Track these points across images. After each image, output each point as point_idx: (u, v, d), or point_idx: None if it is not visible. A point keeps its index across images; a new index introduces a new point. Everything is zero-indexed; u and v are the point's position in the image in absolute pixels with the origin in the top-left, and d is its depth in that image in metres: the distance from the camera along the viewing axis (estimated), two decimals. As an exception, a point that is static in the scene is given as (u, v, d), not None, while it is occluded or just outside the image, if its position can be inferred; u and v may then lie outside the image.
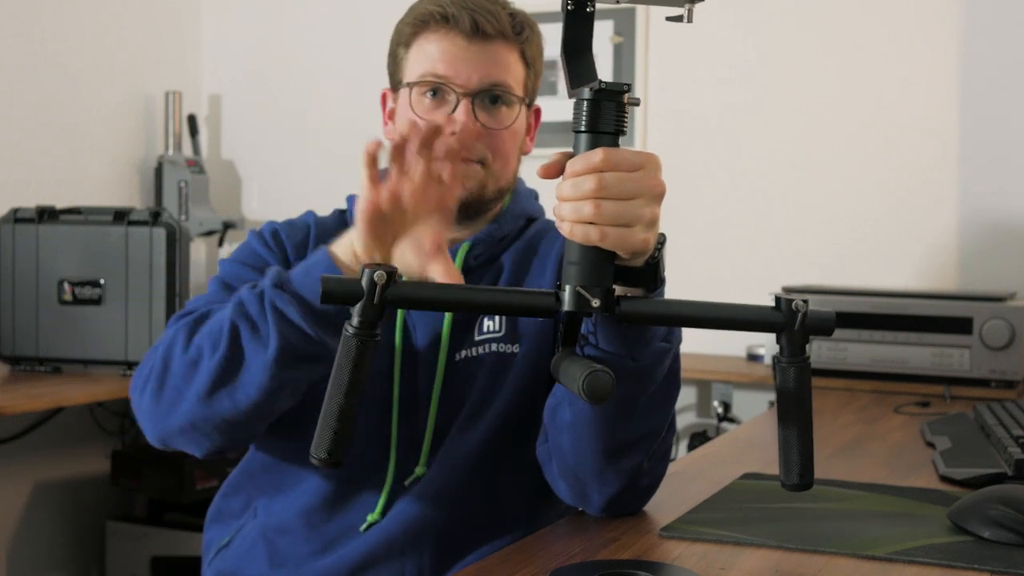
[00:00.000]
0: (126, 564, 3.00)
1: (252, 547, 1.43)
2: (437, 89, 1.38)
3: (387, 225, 1.17)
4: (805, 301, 1.02)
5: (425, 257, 1.17)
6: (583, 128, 1.00)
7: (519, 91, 1.41)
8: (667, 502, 1.36)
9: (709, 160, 2.98)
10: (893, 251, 2.81)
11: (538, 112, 1.50)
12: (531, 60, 1.43)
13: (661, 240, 1.08)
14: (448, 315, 1.39)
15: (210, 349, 1.25)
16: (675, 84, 3.02)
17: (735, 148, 2.96)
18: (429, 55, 1.38)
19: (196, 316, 1.30)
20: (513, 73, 1.40)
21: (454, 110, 1.37)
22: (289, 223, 1.49)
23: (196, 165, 3.32)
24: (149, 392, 1.31)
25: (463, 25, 1.36)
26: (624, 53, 3.05)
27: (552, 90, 3.08)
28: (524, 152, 1.48)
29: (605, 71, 3.05)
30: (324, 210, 1.55)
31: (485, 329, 1.41)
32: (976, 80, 2.74)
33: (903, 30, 2.81)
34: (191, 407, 1.27)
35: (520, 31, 1.41)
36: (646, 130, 3.05)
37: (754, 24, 2.95)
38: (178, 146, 3.35)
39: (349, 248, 1.21)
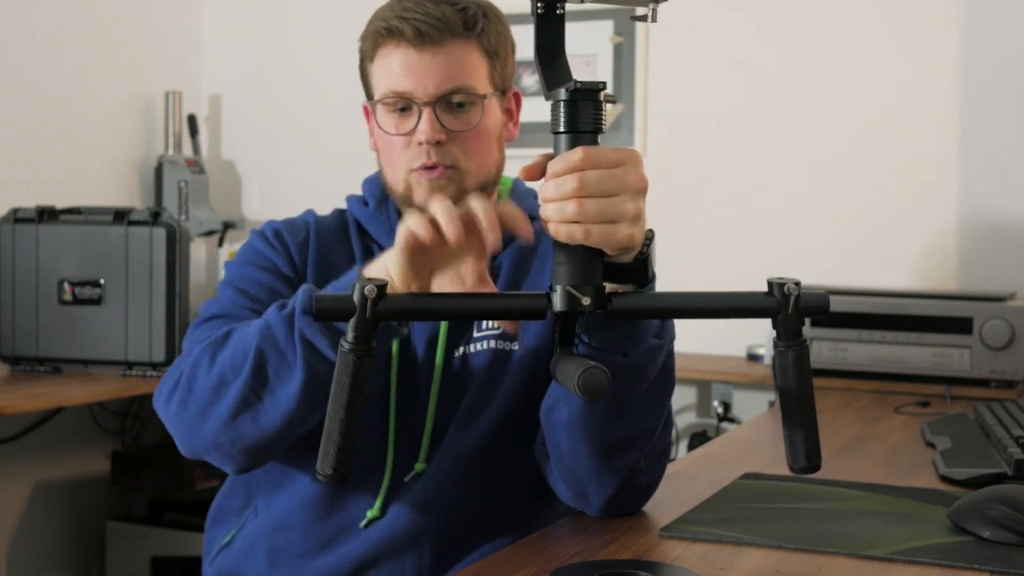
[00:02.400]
0: (126, 564, 3.00)
1: (252, 546, 1.43)
2: (400, 103, 1.38)
3: (426, 257, 1.14)
4: (797, 284, 1.02)
5: (466, 289, 1.15)
6: (562, 129, 1.01)
7: (482, 87, 1.40)
8: (667, 502, 1.36)
9: (709, 160, 2.98)
10: (893, 251, 2.81)
11: (517, 96, 1.50)
12: (493, 50, 1.41)
13: (649, 236, 1.08)
14: None
15: (233, 373, 1.26)
16: (675, 84, 3.02)
17: (735, 148, 2.96)
18: (388, 71, 1.38)
19: (219, 336, 1.30)
20: (472, 70, 1.39)
21: (418, 121, 1.37)
22: (289, 222, 1.50)
23: (196, 165, 3.32)
24: (174, 409, 1.32)
25: (408, 36, 1.36)
26: (624, 53, 3.05)
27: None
28: (509, 139, 1.48)
29: (605, 71, 3.05)
30: (324, 210, 1.55)
31: (484, 326, 1.41)
32: (976, 80, 2.74)
33: (903, 30, 2.81)
34: (215, 428, 1.29)
35: (473, 25, 1.39)
36: (646, 130, 3.05)
37: (754, 24, 2.95)
38: (178, 146, 3.35)
39: (384, 273, 1.17)
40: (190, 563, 2.88)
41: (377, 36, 1.39)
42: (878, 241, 2.82)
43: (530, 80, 3.05)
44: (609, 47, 3.06)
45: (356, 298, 0.98)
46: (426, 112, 1.37)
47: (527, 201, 1.53)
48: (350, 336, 0.98)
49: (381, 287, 0.99)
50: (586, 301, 0.99)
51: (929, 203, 2.77)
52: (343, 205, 1.54)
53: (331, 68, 3.41)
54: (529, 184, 1.56)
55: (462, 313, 1.07)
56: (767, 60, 2.93)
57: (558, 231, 0.99)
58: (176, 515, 3.00)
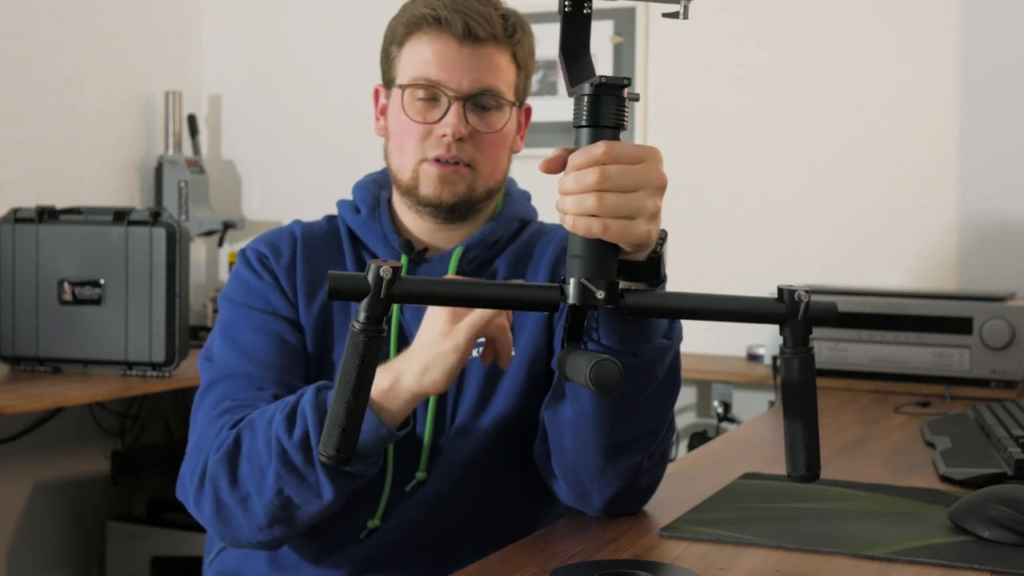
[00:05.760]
0: (126, 564, 3.00)
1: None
2: (429, 92, 1.38)
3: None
4: (808, 292, 1.02)
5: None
6: (584, 123, 1.00)
7: (510, 94, 1.41)
8: (667, 502, 1.36)
9: (709, 160, 2.98)
10: (893, 251, 2.81)
11: (528, 111, 1.50)
12: (522, 61, 1.43)
13: (663, 236, 1.08)
14: None
15: (256, 491, 1.27)
16: (675, 84, 3.02)
17: (735, 148, 2.96)
18: (422, 57, 1.39)
19: (229, 444, 1.29)
20: (504, 76, 1.40)
21: (445, 113, 1.38)
22: (273, 242, 1.46)
23: (196, 165, 3.32)
24: (208, 513, 1.32)
25: (455, 28, 1.37)
26: (624, 53, 3.05)
27: (552, 90, 3.08)
28: (514, 151, 1.48)
29: (605, 71, 3.04)
30: (323, 211, 1.55)
31: None
32: (976, 80, 2.74)
33: (903, 30, 2.81)
34: (253, 533, 1.31)
35: (512, 33, 1.41)
36: (646, 130, 3.05)
37: (754, 24, 2.95)
38: (178, 146, 3.35)
39: (389, 379, 1.23)
40: (190, 563, 2.88)
41: (421, 22, 1.38)
42: (878, 241, 2.82)
43: (530, 80, 3.05)
44: (609, 47, 3.06)
45: (370, 279, 0.98)
46: (455, 106, 1.37)
47: (521, 204, 1.52)
48: (361, 316, 0.97)
49: (396, 269, 0.98)
50: (600, 295, 0.99)
51: (929, 203, 2.77)
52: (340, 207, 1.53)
53: (331, 68, 3.41)
54: (530, 184, 1.57)
55: (475, 300, 1.08)
56: (767, 60, 2.93)
57: (576, 224, 0.99)
58: (176, 515, 3.00)
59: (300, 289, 1.42)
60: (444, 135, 1.37)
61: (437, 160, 1.38)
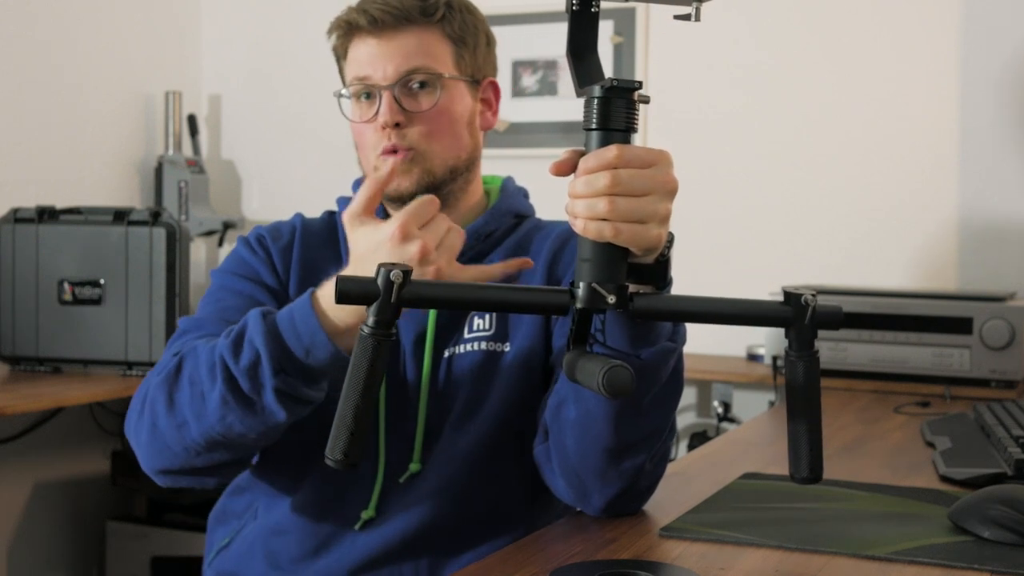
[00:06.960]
0: (126, 564, 3.00)
1: (250, 548, 1.43)
2: (366, 91, 1.41)
3: None
4: (814, 295, 1.02)
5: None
6: (594, 126, 1.00)
7: (446, 70, 1.41)
8: (667, 502, 1.36)
9: (709, 161, 2.98)
10: (893, 251, 2.81)
11: (495, 85, 1.51)
12: (458, 37, 1.43)
13: (670, 239, 1.08)
14: (432, 312, 1.40)
15: (195, 417, 1.25)
16: (675, 84, 3.02)
17: (735, 149, 2.96)
18: (352, 62, 1.43)
19: (171, 369, 1.28)
20: (433, 54, 1.41)
21: (379, 106, 1.39)
22: (274, 227, 1.50)
23: (196, 165, 3.33)
24: (144, 439, 1.32)
25: (363, 25, 1.40)
26: (624, 53, 3.05)
27: (552, 90, 3.08)
28: (486, 128, 1.49)
29: (605, 71, 3.05)
30: (323, 210, 1.55)
31: (475, 327, 1.41)
32: (975, 80, 2.74)
33: (903, 30, 2.81)
34: (190, 458, 1.29)
35: (433, 12, 1.41)
36: (646, 130, 3.05)
37: (755, 25, 2.95)
38: (178, 146, 3.35)
39: (355, 314, 1.19)
40: (190, 563, 2.88)
41: (338, 32, 1.44)
42: (878, 241, 2.82)
43: (530, 80, 3.05)
44: (609, 47, 3.06)
45: (381, 282, 0.97)
46: (385, 95, 1.39)
47: (517, 200, 1.53)
48: (371, 321, 0.97)
49: (407, 272, 0.98)
50: (611, 299, 0.99)
51: (929, 203, 2.77)
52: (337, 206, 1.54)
53: (331, 68, 3.40)
54: (531, 184, 1.58)
55: (484, 304, 1.08)
56: (766, 60, 2.93)
57: (587, 228, 0.99)
58: (176, 515, 3.00)
59: (294, 272, 1.44)
60: (383, 127, 1.39)
61: (386, 151, 1.40)
